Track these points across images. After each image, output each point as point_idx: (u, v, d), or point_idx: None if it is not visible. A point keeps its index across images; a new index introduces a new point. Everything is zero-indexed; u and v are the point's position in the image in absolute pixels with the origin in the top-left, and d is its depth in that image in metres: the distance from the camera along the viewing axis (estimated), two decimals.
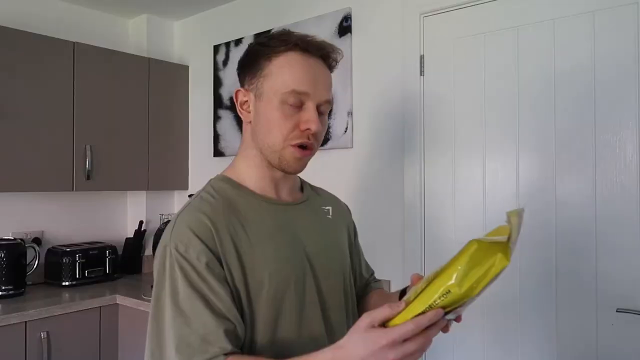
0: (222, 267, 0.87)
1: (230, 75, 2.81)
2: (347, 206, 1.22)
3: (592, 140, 1.67)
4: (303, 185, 1.12)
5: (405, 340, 0.70)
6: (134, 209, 3.05)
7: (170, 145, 2.95)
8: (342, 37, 2.31)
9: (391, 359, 0.69)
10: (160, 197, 3.05)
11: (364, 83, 2.26)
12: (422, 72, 2.05)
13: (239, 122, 2.75)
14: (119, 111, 2.69)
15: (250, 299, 0.89)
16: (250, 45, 1.00)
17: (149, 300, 2.23)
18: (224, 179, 1.00)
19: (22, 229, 2.62)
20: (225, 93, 2.83)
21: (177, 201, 3.10)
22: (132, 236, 2.93)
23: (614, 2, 1.63)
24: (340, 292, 1.04)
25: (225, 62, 2.84)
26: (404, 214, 2.09)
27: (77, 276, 2.56)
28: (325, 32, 2.35)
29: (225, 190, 0.97)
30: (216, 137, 2.87)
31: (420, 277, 0.82)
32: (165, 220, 2.74)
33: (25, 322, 2.09)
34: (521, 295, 1.80)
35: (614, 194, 1.63)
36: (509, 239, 0.69)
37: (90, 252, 2.63)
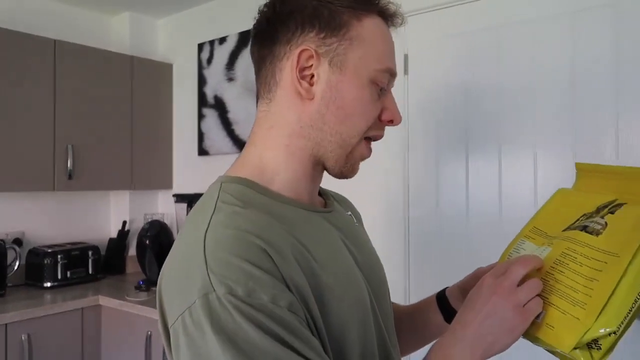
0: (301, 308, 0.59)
1: (214, 74, 2.79)
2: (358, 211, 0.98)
3: (572, 144, 1.69)
4: None
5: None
6: (117, 208, 3.02)
7: (154, 144, 2.92)
8: None
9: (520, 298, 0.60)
10: (144, 197, 3.02)
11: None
12: (406, 71, 2.06)
13: (223, 120, 2.74)
14: (101, 110, 2.65)
15: (337, 344, 0.63)
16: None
17: (131, 301, 2.23)
18: (239, 181, 0.69)
19: (2, 230, 2.57)
20: (210, 91, 2.81)
21: (160, 201, 3.08)
22: (115, 236, 2.90)
23: (592, 2, 1.65)
24: (392, 318, 0.81)
25: (209, 60, 2.82)
26: (389, 213, 2.09)
27: (59, 277, 2.52)
28: None
29: (251, 197, 0.66)
30: (200, 136, 2.85)
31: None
32: (150, 221, 2.72)
33: (6, 324, 2.06)
34: None
35: None
36: None
37: (72, 253, 2.60)
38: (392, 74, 0.71)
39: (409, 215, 2.06)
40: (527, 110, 1.78)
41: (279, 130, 0.70)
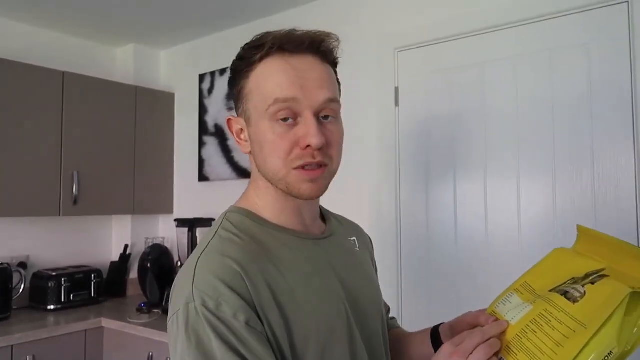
0: (262, 324, 0.70)
1: (215, 103, 2.92)
2: (368, 235, 1.06)
3: (552, 170, 1.81)
4: (323, 212, 0.94)
5: None
6: (119, 232, 3.10)
7: (155, 170, 3.03)
8: None
9: None
10: (146, 221, 3.11)
11: (349, 111, 2.37)
12: (397, 103, 2.18)
13: (223, 148, 2.85)
14: (106, 138, 2.77)
15: (297, 358, 0.72)
16: (233, 61, 0.83)
17: (133, 323, 2.30)
18: (241, 211, 0.83)
19: (8, 253, 2.65)
20: (211, 120, 2.93)
21: (162, 225, 3.17)
22: (117, 260, 2.97)
23: (567, 41, 1.79)
24: (380, 337, 0.88)
25: (210, 91, 2.95)
26: (382, 237, 2.19)
27: (63, 300, 2.59)
28: None
29: (247, 226, 0.79)
30: (201, 163, 2.96)
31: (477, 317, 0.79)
32: (151, 244, 2.80)
33: (12, 345, 2.12)
34: None
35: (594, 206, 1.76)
36: None
37: (76, 276, 2.67)
38: (285, 101, 0.74)
39: (401, 239, 2.15)
40: (510, 139, 1.90)
41: (252, 176, 0.86)
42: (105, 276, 2.89)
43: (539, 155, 1.84)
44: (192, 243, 2.62)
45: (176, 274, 2.69)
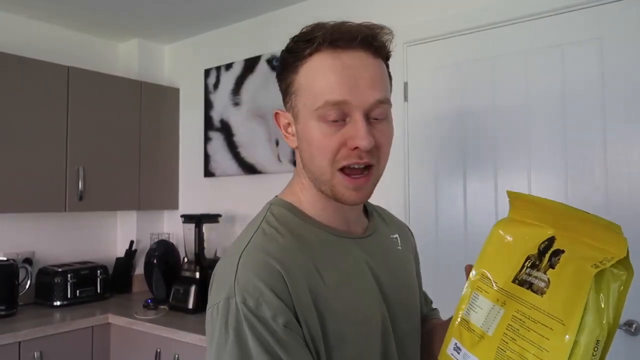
0: (300, 325, 0.69)
1: (221, 98, 2.90)
2: (410, 229, 1.05)
3: (564, 164, 1.80)
4: (367, 209, 0.93)
5: None
6: (125, 228, 3.09)
7: (161, 166, 3.01)
8: None
9: None
10: (151, 217, 3.10)
11: None
12: (406, 98, 2.17)
13: (229, 143, 2.84)
14: (111, 133, 2.75)
15: (331, 357, 0.72)
16: (281, 53, 0.81)
17: (140, 319, 2.30)
18: (285, 205, 0.82)
19: (14, 250, 2.64)
20: (216, 115, 2.92)
21: (167, 221, 3.16)
22: (122, 256, 2.97)
23: (580, 36, 1.77)
24: (415, 337, 0.88)
25: (216, 85, 2.93)
26: None
27: (69, 296, 2.59)
28: None
29: (290, 221, 0.79)
30: (207, 158, 2.95)
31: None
32: (157, 240, 2.79)
33: (19, 342, 2.12)
34: None
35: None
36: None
37: (82, 272, 2.67)
38: (335, 104, 0.72)
39: None
40: (521, 134, 1.89)
41: (296, 171, 0.85)
42: (111, 272, 2.89)
43: (550, 151, 1.82)
44: (199, 239, 2.61)
45: (182, 269, 2.68)
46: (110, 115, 2.75)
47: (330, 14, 2.62)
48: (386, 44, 0.77)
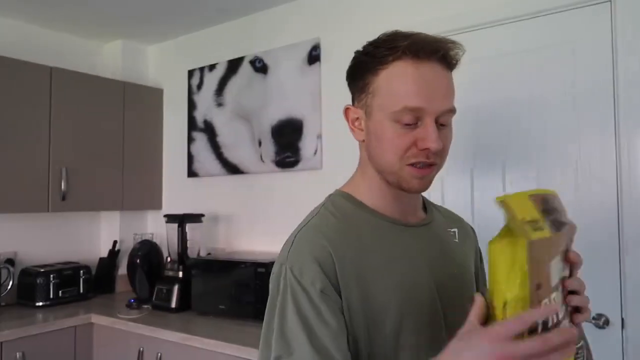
0: (340, 297, 0.79)
1: (204, 99, 2.92)
2: (472, 228, 1.09)
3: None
4: (426, 203, 1.00)
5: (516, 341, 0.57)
6: (108, 228, 3.10)
7: (144, 166, 3.02)
8: (312, 65, 2.46)
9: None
10: (134, 217, 3.10)
11: (332, 108, 2.41)
12: None
13: (212, 144, 2.86)
14: (94, 133, 2.76)
15: (369, 330, 0.80)
16: (355, 55, 0.89)
17: (123, 318, 2.31)
18: (343, 195, 0.92)
19: None
20: (199, 116, 2.93)
21: (150, 221, 3.16)
22: (106, 256, 2.97)
23: (551, 40, 1.83)
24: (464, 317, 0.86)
25: (199, 86, 2.95)
26: None
27: (51, 296, 2.59)
28: (295, 60, 2.50)
29: (346, 209, 0.90)
30: (190, 158, 2.96)
31: None
32: (140, 240, 2.81)
33: (1, 342, 2.12)
34: None
35: None
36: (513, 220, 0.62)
37: (64, 273, 2.66)
38: (412, 109, 0.80)
39: None
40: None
41: (361, 163, 0.94)
42: (94, 272, 2.89)
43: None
44: (182, 238, 2.63)
45: (165, 269, 2.69)
46: (94, 115, 2.76)
47: (313, 18, 2.66)
48: (459, 60, 0.85)
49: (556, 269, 0.66)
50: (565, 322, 0.67)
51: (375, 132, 0.85)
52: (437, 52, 0.81)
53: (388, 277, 0.82)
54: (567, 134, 1.80)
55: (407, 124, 0.81)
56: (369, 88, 0.85)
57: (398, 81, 0.81)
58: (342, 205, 0.90)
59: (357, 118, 0.89)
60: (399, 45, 0.80)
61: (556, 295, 0.65)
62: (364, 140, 0.89)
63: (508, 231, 0.63)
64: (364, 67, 0.86)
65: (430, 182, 0.86)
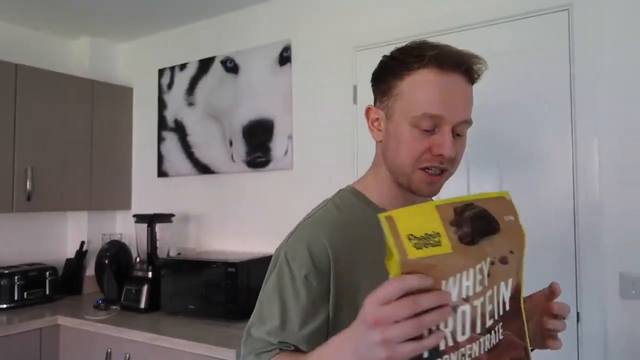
0: (329, 287, 0.86)
1: (175, 98, 2.90)
2: None
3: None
4: None
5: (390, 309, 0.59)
6: (75, 229, 3.04)
7: (113, 165, 2.99)
8: (283, 66, 2.48)
9: (376, 338, 0.58)
10: (103, 217, 3.06)
11: (302, 109, 2.43)
12: (355, 101, 2.25)
13: (183, 144, 2.85)
14: (61, 132, 2.71)
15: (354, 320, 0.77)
16: (382, 59, 0.92)
17: (91, 320, 2.28)
18: (352, 191, 0.97)
19: None
20: (170, 115, 2.92)
21: (119, 221, 3.13)
22: (72, 257, 2.92)
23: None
24: None
25: (170, 86, 2.93)
26: None
27: (16, 298, 2.53)
28: (266, 61, 2.52)
29: (353, 205, 0.94)
30: (160, 158, 2.94)
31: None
32: (109, 241, 2.77)
33: None
34: None
35: None
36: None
37: (29, 274, 2.61)
38: (432, 117, 0.83)
39: None
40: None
41: (374, 162, 0.98)
42: (60, 273, 2.84)
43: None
44: (152, 238, 2.61)
45: (134, 269, 2.68)
46: (61, 113, 2.71)
47: (284, 19, 2.68)
48: (481, 75, 0.89)
49: (468, 283, 0.63)
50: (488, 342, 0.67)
51: (393, 134, 0.88)
52: (461, 66, 0.84)
53: (382, 273, 0.78)
54: (528, 136, 1.87)
55: (425, 130, 0.84)
56: (393, 91, 0.88)
57: (421, 88, 0.84)
58: (347, 199, 0.95)
59: (377, 119, 0.92)
60: (426, 54, 0.84)
61: (467, 309, 0.64)
62: (381, 141, 0.93)
63: (389, 250, 0.61)
64: (390, 71, 0.88)
65: (439, 188, 0.89)
